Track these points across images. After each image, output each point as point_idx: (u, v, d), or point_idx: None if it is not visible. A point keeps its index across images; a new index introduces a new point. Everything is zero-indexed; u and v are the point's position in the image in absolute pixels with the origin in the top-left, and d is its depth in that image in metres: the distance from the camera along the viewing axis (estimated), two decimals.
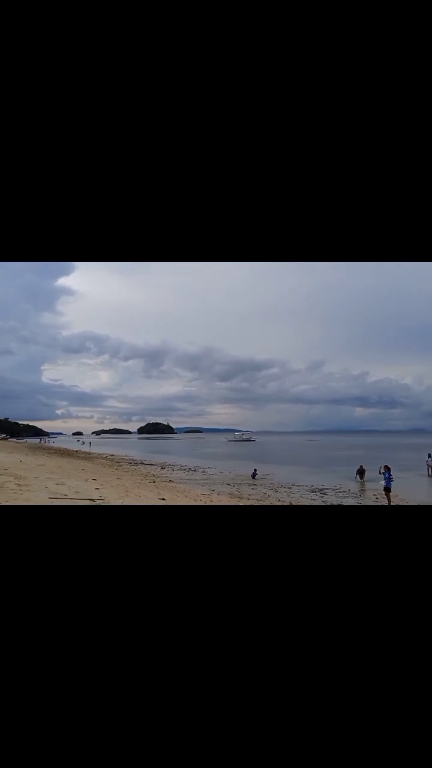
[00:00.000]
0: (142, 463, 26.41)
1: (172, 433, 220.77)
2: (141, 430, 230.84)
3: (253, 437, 74.69)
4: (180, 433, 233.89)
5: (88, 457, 31.19)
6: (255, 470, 18.56)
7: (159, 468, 23.08)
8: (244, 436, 74.03)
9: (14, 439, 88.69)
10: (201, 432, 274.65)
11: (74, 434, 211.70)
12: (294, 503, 11.74)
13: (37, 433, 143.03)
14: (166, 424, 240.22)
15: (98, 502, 8.52)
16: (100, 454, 34.87)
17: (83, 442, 64.28)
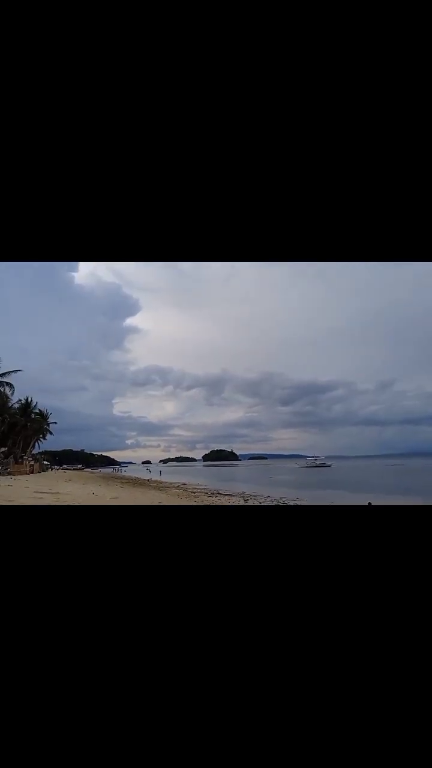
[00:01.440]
0: (219, 493, 23.74)
1: (237, 459, 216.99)
2: (206, 458, 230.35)
3: (328, 462, 68.72)
4: (244, 459, 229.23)
5: (160, 486, 29.23)
6: (369, 503, 14.88)
7: (242, 499, 20.16)
8: (317, 462, 68.36)
9: (89, 470, 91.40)
10: (266, 458, 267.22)
11: (143, 463, 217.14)
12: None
13: (110, 462, 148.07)
14: (230, 451, 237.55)
15: None
16: (172, 484, 32.81)
17: (149, 470, 63.71)
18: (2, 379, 33.68)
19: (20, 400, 43.26)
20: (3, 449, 34.43)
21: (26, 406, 43.59)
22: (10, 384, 34.31)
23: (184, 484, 32.16)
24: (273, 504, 17.55)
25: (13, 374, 34.15)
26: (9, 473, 28.98)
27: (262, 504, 11.63)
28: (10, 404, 37.20)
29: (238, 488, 26.83)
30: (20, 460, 35.48)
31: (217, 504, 17.05)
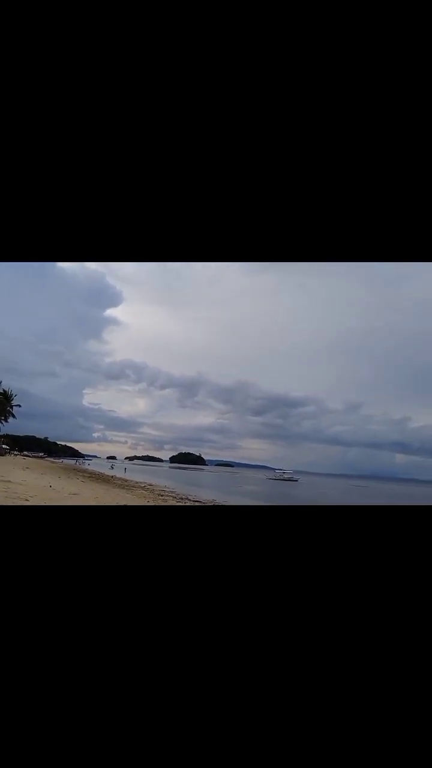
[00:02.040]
0: (188, 499, 22.34)
1: (204, 464, 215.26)
2: (173, 459, 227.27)
3: (295, 477, 68.49)
4: (211, 465, 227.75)
5: (125, 485, 27.48)
6: None
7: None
8: (285, 475, 68.01)
9: (51, 459, 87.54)
10: (232, 466, 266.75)
11: (108, 458, 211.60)
12: None
13: (74, 454, 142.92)
14: (198, 455, 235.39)
15: None
16: (138, 483, 31.06)
17: (113, 466, 61.59)
18: None
19: None
20: None
21: None
22: None
23: (151, 485, 30.49)
24: None
25: None
26: None
27: None
28: None
29: (205, 495, 25.54)
30: None
31: None
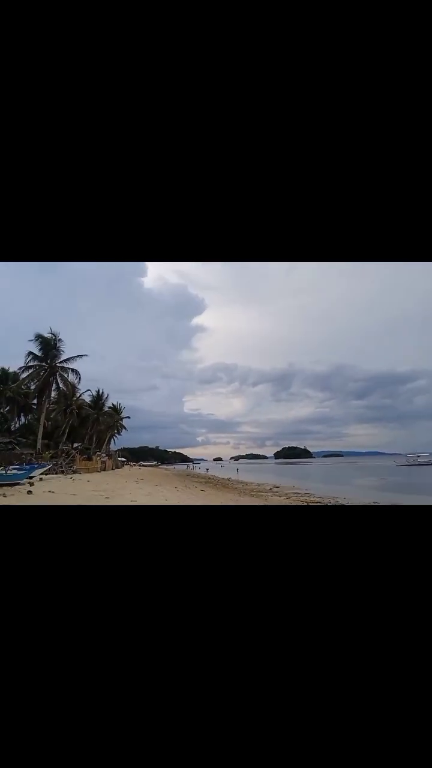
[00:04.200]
0: (309, 497, 16.53)
1: (310, 457, 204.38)
2: (278, 455, 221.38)
3: None
4: (318, 457, 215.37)
5: (249, 489, 22.69)
6: None
7: None
8: (420, 459, 56.86)
9: (164, 466, 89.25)
10: (341, 455, 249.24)
11: (214, 459, 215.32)
12: None
13: (183, 459, 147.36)
14: (303, 448, 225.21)
15: None
16: (260, 485, 26.07)
17: (222, 466, 58.79)
18: (67, 365, 29.63)
19: (90, 391, 39.85)
20: (66, 446, 30.48)
21: (98, 398, 40.01)
22: (76, 371, 30.19)
23: (277, 486, 25.15)
24: None
25: (78, 359, 29.94)
26: (74, 471, 24.57)
27: None
28: (78, 394, 33.32)
29: (350, 494, 19.33)
30: (90, 456, 31.37)
31: None
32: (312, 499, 17.19)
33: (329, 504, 15.96)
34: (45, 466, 19.34)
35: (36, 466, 18.21)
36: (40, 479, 16.76)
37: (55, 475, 20.93)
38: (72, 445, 33.92)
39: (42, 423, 27.38)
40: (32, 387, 28.46)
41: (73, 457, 27.37)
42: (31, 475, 15.96)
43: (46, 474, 19.26)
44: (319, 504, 16.11)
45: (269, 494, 19.31)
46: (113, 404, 49.14)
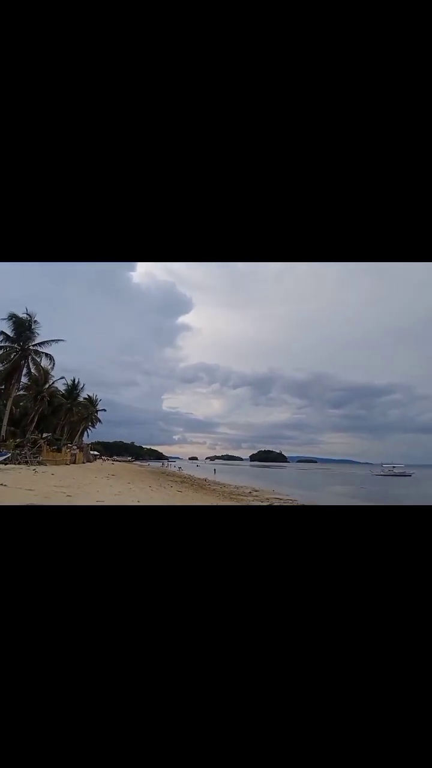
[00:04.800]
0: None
1: (285, 461, 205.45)
2: (253, 458, 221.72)
3: (408, 471, 57.21)
4: (293, 462, 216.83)
5: (225, 491, 21.37)
6: None
7: None
8: (395, 470, 57.13)
9: (138, 462, 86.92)
10: (315, 462, 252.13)
11: (190, 459, 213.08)
12: None
13: (159, 457, 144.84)
14: (278, 452, 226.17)
15: None
16: (239, 488, 24.81)
17: (198, 465, 57.41)
18: (41, 349, 27.36)
19: (64, 380, 37.51)
20: (35, 435, 28.31)
21: (72, 388, 37.74)
22: (50, 356, 27.98)
23: (256, 490, 23.94)
24: None
25: (54, 345, 27.78)
26: (39, 462, 22.56)
27: None
28: (51, 381, 31.08)
29: (329, 501, 18.32)
30: (59, 448, 29.26)
31: None
32: (275, 495, 16.02)
33: None
34: (4, 455, 17.36)
35: None
36: None
37: (17, 466, 18.94)
38: (41, 435, 31.70)
39: (9, 409, 25.17)
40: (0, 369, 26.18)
41: (40, 447, 25.27)
42: None
43: (5, 464, 17.29)
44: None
45: (250, 498, 18.04)
46: (88, 395, 46.86)
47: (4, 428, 24.44)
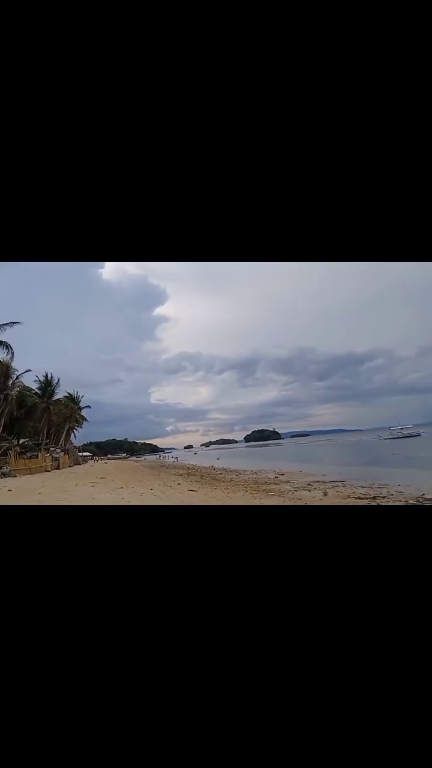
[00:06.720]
0: (352, 488, 10.78)
1: (280, 438, 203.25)
2: (248, 438, 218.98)
3: (417, 432, 53.88)
4: (286, 438, 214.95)
5: (246, 480, 16.61)
6: None
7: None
8: (404, 431, 53.71)
9: (134, 458, 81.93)
10: (309, 435, 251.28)
11: (185, 448, 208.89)
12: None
13: (154, 450, 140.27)
14: (272, 430, 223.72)
15: None
16: (258, 474, 20.07)
17: (196, 453, 52.91)
18: None
19: (36, 377, 31.71)
20: (6, 441, 22.73)
21: (46, 384, 31.99)
22: (6, 344, 22.18)
23: (281, 473, 19.19)
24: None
25: (9, 328, 21.95)
26: (4, 474, 17.17)
27: None
28: (14, 376, 25.24)
29: (354, 474, 13.85)
30: (33, 454, 23.84)
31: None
32: (357, 491, 11.27)
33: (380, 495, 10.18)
34: None
35: None
36: None
37: None
38: (16, 441, 26.22)
39: None
40: None
41: (5, 453, 19.84)
42: None
43: None
44: (367, 495, 10.28)
45: (286, 486, 13.24)
46: (69, 393, 41.10)
47: None
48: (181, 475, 20.87)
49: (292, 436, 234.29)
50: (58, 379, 33.07)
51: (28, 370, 27.03)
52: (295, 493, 11.37)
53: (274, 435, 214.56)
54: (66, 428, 40.94)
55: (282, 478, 16.68)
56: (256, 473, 20.23)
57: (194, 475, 20.83)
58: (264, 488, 12.72)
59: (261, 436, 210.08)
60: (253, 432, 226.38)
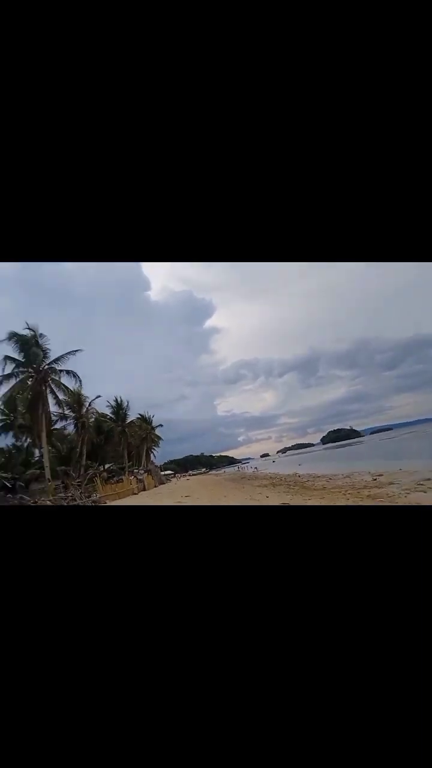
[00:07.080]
0: None
1: (360, 436, 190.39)
2: (325, 440, 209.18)
3: None
4: (367, 435, 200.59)
5: (342, 486, 14.76)
6: None
7: None
8: None
9: (213, 472, 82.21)
10: (391, 429, 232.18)
11: (262, 456, 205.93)
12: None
13: (231, 462, 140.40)
14: (349, 428, 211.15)
15: None
16: (349, 476, 17.98)
17: (274, 461, 50.82)
18: (59, 367, 22.40)
19: (107, 402, 32.92)
20: (92, 468, 23.57)
21: (118, 408, 33.20)
22: (73, 373, 22.98)
23: (379, 474, 16.92)
24: None
25: (72, 357, 22.63)
26: (94, 502, 17.51)
27: None
28: (86, 403, 26.36)
29: None
30: (118, 478, 24.38)
31: None
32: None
33: None
34: None
35: None
36: None
37: None
38: (102, 468, 27.31)
39: (45, 444, 20.67)
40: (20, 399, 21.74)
41: (92, 480, 20.41)
42: None
43: None
44: None
45: (393, 488, 11.29)
46: (140, 414, 42.42)
47: (47, 470, 19.95)
48: (265, 486, 19.56)
49: (372, 433, 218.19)
50: (128, 402, 34.11)
51: (99, 396, 28.09)
52: (408, 496, 9.47)
53: (353, 433, 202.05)
54: (145, 449, 42.19)
55: (381, 479, 14.52)
56: (348, 477, 18.14)
57: (280, 485, 19.37)
58: (366, 493, 10.94)
59: (338, 436, 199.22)
60: (329, 433, 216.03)
